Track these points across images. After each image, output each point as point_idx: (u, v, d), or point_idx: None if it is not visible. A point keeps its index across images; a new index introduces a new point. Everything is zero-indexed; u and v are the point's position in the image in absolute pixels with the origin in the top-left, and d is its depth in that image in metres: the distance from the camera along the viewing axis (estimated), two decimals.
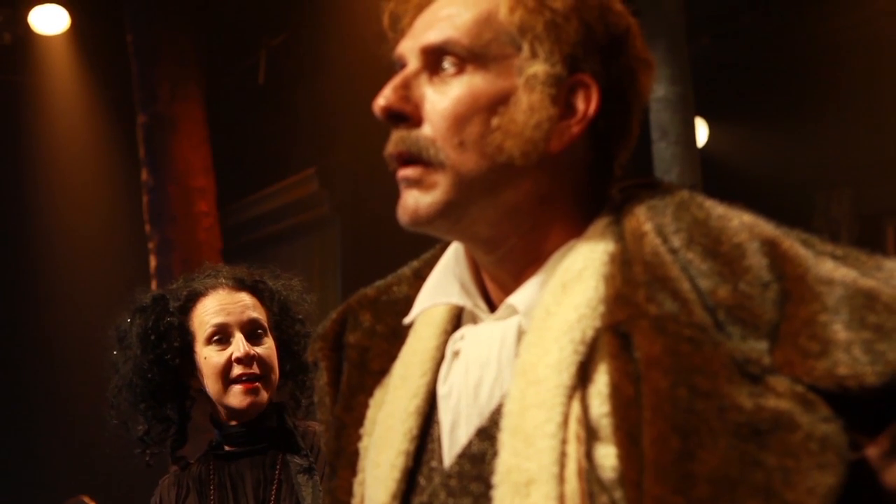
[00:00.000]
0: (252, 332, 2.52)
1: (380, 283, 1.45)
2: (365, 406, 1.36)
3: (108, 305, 2.99)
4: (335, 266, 7.42)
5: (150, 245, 6.72)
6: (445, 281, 1.32)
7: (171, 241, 6.63)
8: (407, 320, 1.36)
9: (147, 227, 6.74)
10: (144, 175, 6.77)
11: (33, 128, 8.29)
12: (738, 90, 6.36)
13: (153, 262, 6.68)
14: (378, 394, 1.36)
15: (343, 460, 1.37)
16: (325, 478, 1.43)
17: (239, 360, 2.47)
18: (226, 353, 2.48)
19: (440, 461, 1.26)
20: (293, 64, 7.47)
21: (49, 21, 7.20)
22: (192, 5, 6.91)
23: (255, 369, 2.48)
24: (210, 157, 6.81)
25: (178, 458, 2.63)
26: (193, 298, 2.56)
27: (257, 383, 2.48)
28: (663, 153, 4.97)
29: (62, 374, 8.20)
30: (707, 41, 6.27)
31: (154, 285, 6.31)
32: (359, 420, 1.36)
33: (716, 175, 5.56)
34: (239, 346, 2.48)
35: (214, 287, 2.56)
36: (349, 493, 1.35)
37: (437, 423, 1.28)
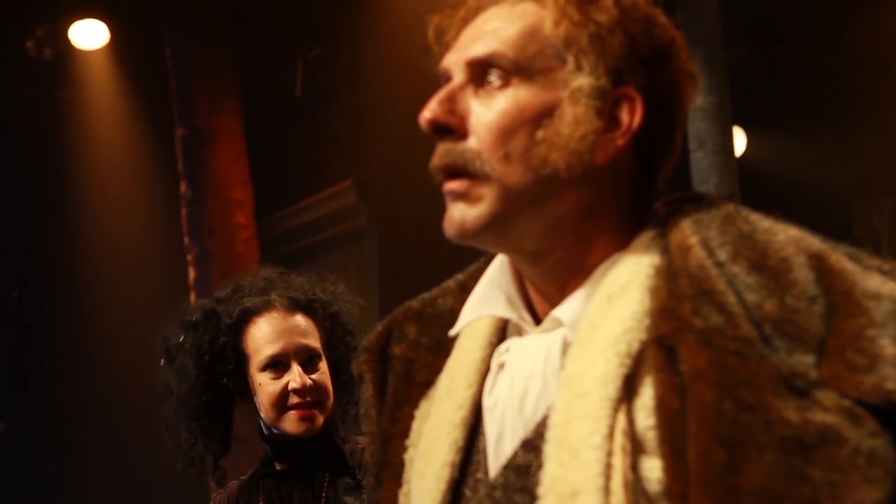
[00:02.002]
0: (307, 359, 2.49)
1: (425, 295, 1.46)
2: (410, 417, 1.37)
3: (148, 317, 3.01)
4: (372, 277, 7.44)
5: (189, 257, 6.75)
6: (491, 293, 1.33)
7: (210, 254, 6.66)
8: (453, 332, 1.36)
9: (186, 240, 6.78)
10: (183, 187, 6.81)
11: (74, 141, 8.36)
12: (776, 99, 6.32)
13: (192, 274, 6.71)
14: (423, 405, 1.37)
15: (388, 471, 1.38)
16: (370, 489, 1.42)
17: (295, 391, 2.45)
18: (281, 382, 2.46)
19: (486, 472, 1.27)
20: (330, 76, 7.50)
21: (89, 36, 7.27)
22: (230, 19, 6.96)
23: (311, 397, 2.47)
24: (248, 169, 6.84)
25: (218, 467, 2.63)
26: (246, 318, 2.53)
27: (314, 410, 2.47)
28: (701, 163, 4.95)
29: (103, 385, 8.24)
30: (744, 50, 6.24)
31: (193, 297, 6.34)
32: (404, 431, 1.37)
33: (754, 184, 5.53)
34: (295, 376, 2.45)
35: (268, 307, 2.52)
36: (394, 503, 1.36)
37: (483, 434, 1.29)
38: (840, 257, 1.16)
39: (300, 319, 2.52)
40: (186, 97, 6.79)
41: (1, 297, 8.60)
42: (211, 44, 6.81)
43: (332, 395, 2.52)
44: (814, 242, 1.19)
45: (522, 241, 1.26)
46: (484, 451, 1.28)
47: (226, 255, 6.63)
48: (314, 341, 2.51)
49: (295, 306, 2.53)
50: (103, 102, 8.01)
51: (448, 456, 1.29)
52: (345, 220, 7.82)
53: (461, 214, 1.25)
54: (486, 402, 1.29)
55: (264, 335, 2.49)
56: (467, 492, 1.28)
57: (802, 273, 1.15)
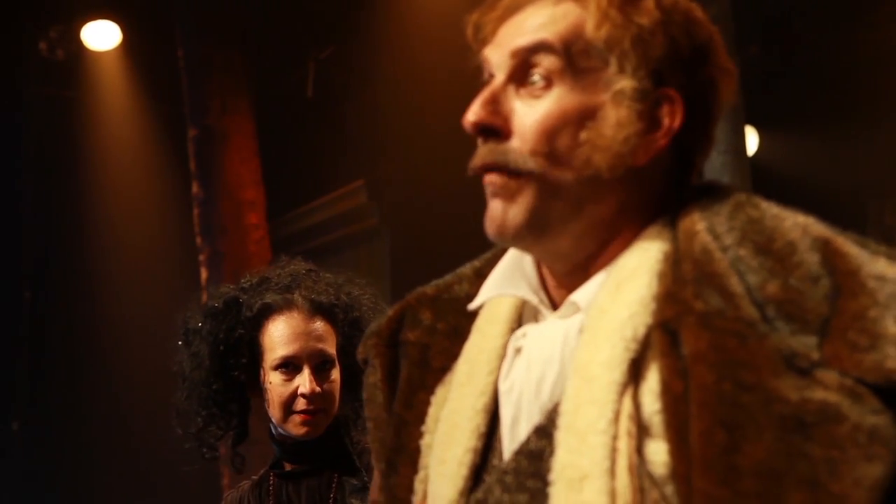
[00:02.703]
0: (320, 364, 2.49)
1: (439, 281, 1.47)
2: (426, 403, 1.37)
3: (160, 318, 3.02)
4: (384, 278, 7.44)
5: (201, 258, 6.76)
6: (512, 275, 1.34)
7: (222, 254, 6.67)
8: (472, 306, 1.37)
9: (198, 240, 6.79)
10: (195, 188, 6.82)
11: (86, 142, 8.38)
12: (789, 98, 6.31)
13: (204, 274, 6.72)
14: (440, 391, 1.37)
15: (404, 457, 1.38)
16: (382, 475, 1.41)
17: (304, 395, 2.45)
18: (292, 385, 2.46)
19: (500, 458, 1.28)
20: (341, 76, 7.50)
21: (101, 37, 7.29)
22: (242, 20, 6.97)
23: (318, 404, 2.46)
24: (260, 169, 6.85)
25: (237, 454, 2.62)
26: (266, 313, 2.52)
27: (317, 416, 2.47)
28: (713, 162, 4.94)
29: (116, 385, 8.27)
30: (756, 49, 6.23)
31: (205, 298, 6.34)
32: (420, 417, 1.37)
33: (766, 184, 5.51)
34: (306, 381, 2.45)
35: (290, 307, 2.50)
36: (410, 489, 1.36)
37: (501, 418, 1.30)
38: (846, 241, 1.18)
39: (319, 324, 2.51)
40: (198, 98, 6.80)
41: (14, 297, 8.62)
42: (223, 44, 6.82)
43: (338, 401, 2.52)
44: (821, 228, 1.20)
45: (560, 242, 1.27)
46: (501, 437, 1.29)
47: (238, 255, 6.63)
48: (330, 347, 2.51)
49: (316, 309, 2.51)
50: (115, 103, 8.03)
51: (470, 442, 1.29)
52: (356, 220, 7.82)
53: (502, 213, 1.26)
54: (503, 386, 1.30)
55: (281, 335, 2.49)
56: (487, 477, 1.28)
57: (807, 255, 1.16)
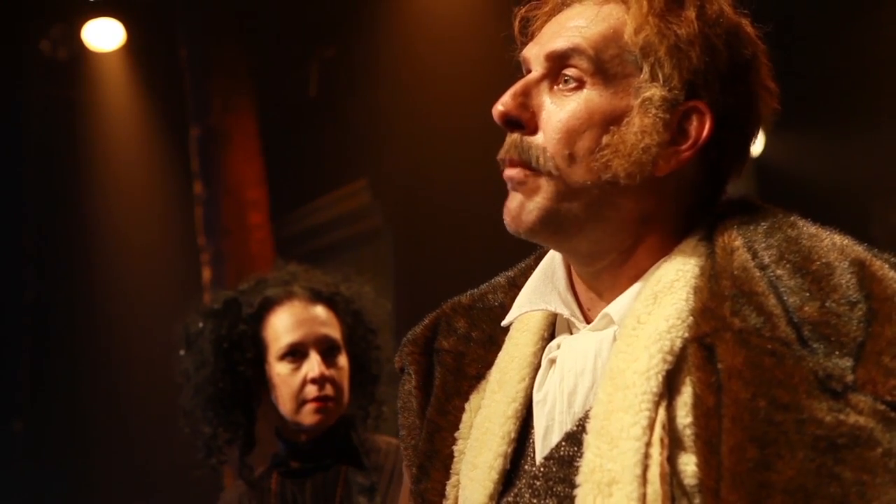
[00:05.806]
0: (327, 350, 2.48)
1: (473, 291, 1.49)
2: (461, 410, 1.38)
3: (163, 317, 3.01)
4: (387, 277, 7.43)
5: (204, 257, 6.75)
6: (544, 288, 1.35)
7: (225, 254, 6.66)
8: (506, 322, 1.38)
9: (201, 240, 6.77)
10: (198, 187, 6.81)
11: (88, 142, 8.38)
12: (794, 98, 6.28)
13: (206, 274, 6.71)
14: (474, 399, 1.38)
15: (437, 463, 1.39)
16: (413, 480, 1.43)
17: (314, 381, 2.44)
18: (300, 374, 2.45)
19: (533, 464, 1.29)
20: (345, 75, 7.49)
21: (103, 36, 7.28)
22: (245, 19, 6.96)
23: (328, 391, 2.45)
24: (263, 169, 6.84)
25: (245, 465, 2.61)
26: (267, 307, 2.52)
27: (329, 403, 2.46)
28: None
29: (119, 386, 8.26)
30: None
31: (207, 298, 6.33)
32: (454, 424, 1.38)
33: (772, 184, 5.50)
34: (314, 366, 2.44)
35: (289, 297, 2.51)
36: (441, 494, 1.37)
37: (534, 427, 1.31)
38: (883, 265, 1.19)
39: (321, 310, 2.51)
40: (201, 97, 6.79)
41: (16, 298, 8.62)
42: (226, 44, 6.81)
43: (347, 391, 2.50)
44: (858, 249, 1.21)
45: (576, 243, 1.28)
46: (534, 444, 1.30)
47: (240, 255, 6.62)
48: (335, 332, 2.51)
49: (317, 298, 2.52)
50: (117, 103, 8.02)
51: (501, 447, 1.31)
52: (359, 219, 7.81)
53: (519, 206, 1.27)
54: (536, 396, 1.31)
55: (284, 324, 2.49)
56: (518, 481, 1.29)
57: (844, 278, 1.17)
